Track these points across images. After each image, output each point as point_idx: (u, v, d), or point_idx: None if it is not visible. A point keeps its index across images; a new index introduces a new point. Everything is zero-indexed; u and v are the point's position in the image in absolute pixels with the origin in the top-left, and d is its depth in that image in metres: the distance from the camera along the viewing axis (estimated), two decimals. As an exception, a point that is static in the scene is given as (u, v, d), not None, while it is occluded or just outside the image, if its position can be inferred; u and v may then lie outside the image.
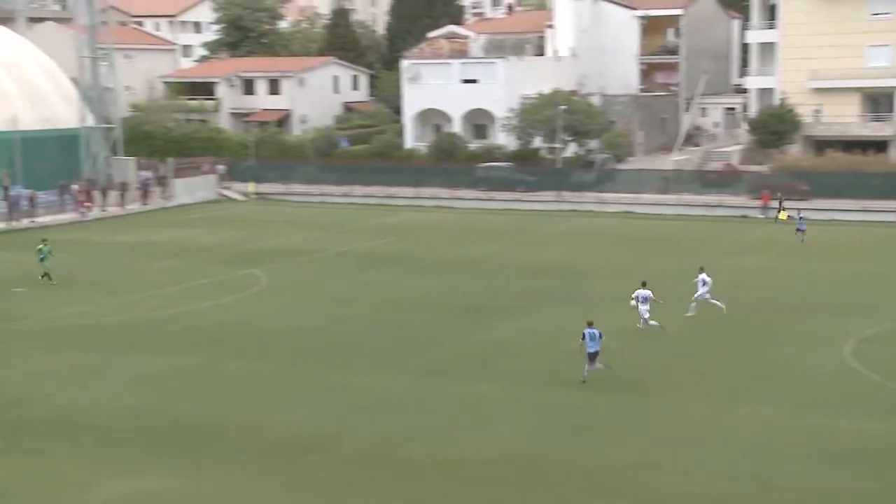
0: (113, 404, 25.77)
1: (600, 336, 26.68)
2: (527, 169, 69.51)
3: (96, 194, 62.84)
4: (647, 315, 31.84)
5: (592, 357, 26.72)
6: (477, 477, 21.04)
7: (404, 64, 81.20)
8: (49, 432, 23.71)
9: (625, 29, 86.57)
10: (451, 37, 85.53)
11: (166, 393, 26.71)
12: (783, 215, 57.10)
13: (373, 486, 20.56)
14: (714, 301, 34.22)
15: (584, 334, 26.70)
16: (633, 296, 32.13)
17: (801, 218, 51.10)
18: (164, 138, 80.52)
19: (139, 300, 37.79)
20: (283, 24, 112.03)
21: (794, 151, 72.03)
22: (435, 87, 78.85)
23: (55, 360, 29.85)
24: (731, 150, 75.17)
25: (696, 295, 34.30)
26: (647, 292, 31.86)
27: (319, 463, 21.79)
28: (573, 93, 75.78)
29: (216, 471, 21.30)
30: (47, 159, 63.26)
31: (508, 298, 37.82)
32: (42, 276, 40.77)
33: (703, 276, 34.38)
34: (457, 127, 78.44)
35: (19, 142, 61.39)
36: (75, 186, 61.97)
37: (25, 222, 57.57)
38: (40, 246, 41.57)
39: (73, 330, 33.42)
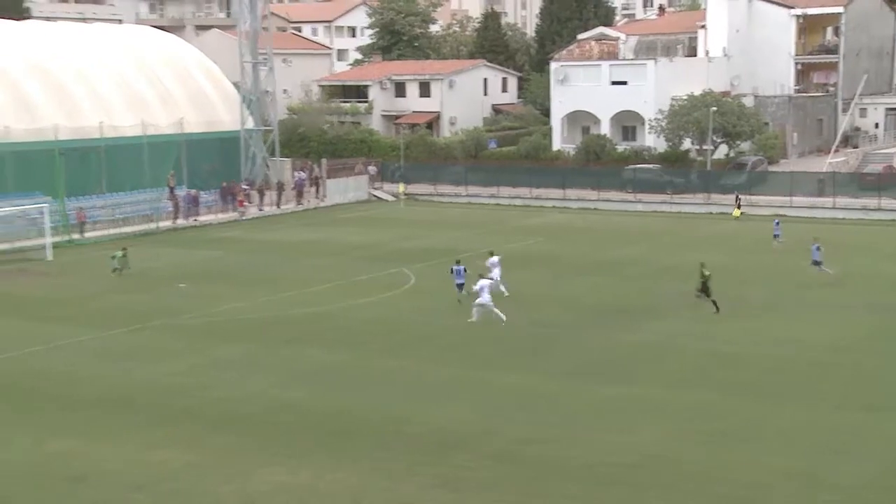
0: (266, 397, 26.87)
1: (465, 271, 36.28)
2: (676, 171, 68.81)
3: (254, 194, 65.43)
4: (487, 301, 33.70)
5: (459, 287, 35.42)
6: (617, 479, 21.18)
7: (553, 66, 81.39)
8: (207, 423, 24.88)
9: (780, 28, 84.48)
10: (600, 39, 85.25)
11: (317, 387, 27.71)
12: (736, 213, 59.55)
13: (515, 486, 20.87)
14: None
15: (451, 269, 36.58)
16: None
17: (777, 223, 50.04)
18: (318, 140, 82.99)
19: (294, 296, 39.29)
20: (434, 28, 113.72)
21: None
22: (584, 89, 78.76)
23: (214, 353, 31.35)
24: (894, 151, 72.51)
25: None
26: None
27: (463, 461, 22.19)
28: (725, 94, 74.57)
29: (362, 465, 21.96)
30: (209, 161, 66.23)
31: (655, 301, 37.74)
32: (113, 271, 43.16)
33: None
34: (605, 129, 78.17)
35: (184, 144, 64.48)
36: (245, 186, 64.77)
37: (189, 221, 60.38)
38: (117, 253, 43.84)
39: (231, 324, 35.01)
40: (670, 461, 22.00)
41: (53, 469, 21.88)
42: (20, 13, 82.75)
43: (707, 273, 35.57)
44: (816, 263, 40.93)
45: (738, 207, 60.19)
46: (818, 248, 40.92)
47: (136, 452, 22.73)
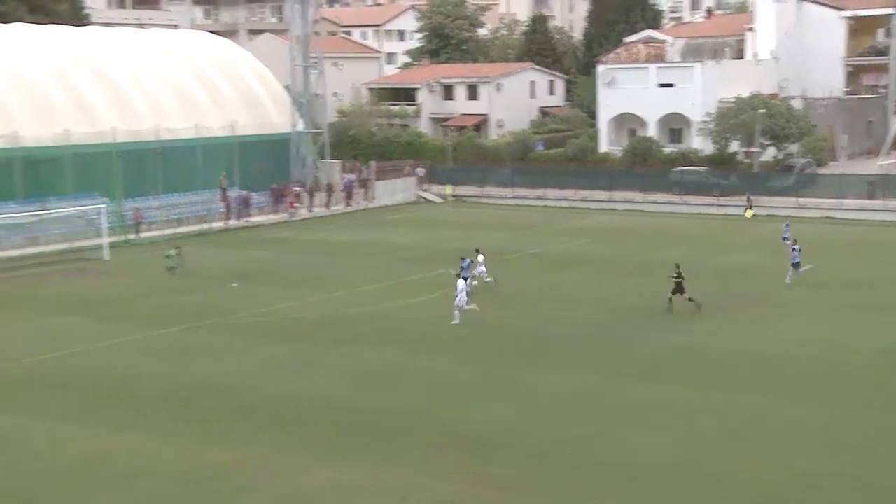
0: (317, 395, 27.58)
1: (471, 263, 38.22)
2: (723, 173, 68.82)
3: (304, 195, 66.49)
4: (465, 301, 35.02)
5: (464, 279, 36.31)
6: (656, 479, 21.56)
7: (600, 69, 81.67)
8: (259, 420, 25.62)
9: (830, 30, 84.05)
10: (648, 41, 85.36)
11: (366, 386, 28.37)
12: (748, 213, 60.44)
13: (559, 485, 21.29)
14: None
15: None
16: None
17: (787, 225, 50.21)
18: (367, 142, 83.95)
19: (343, 296, 40.09)
20: (482, 32, 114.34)
21: None
22: (631, 92, 78.96)
23: (265, 352, 32.15)
24: (944, 154, 71.94)
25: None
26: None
27: (508, 460, 22.66)
28: (773, 96, 74.36)
29: (409, 464, 22.52)
30: (261, 163, 67.43)
31: (703, 302, 38.01)
32: (168, 270, 44.56)
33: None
34: (652, 131, 78.29)
35: (236, 146, 65.75)
36: (297, 188, 65.90)
37: (241, 222, 61.55)
38: (171, 252, 45.04)
39: (282, 324, 35.85)
40: (709, 462, 22.35)
41: (113, 463, 22.77)
42: (80, 20, 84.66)
43: (680, 273, 36.34)
44: (795, 265, 41.30)
45: (750, 208, 60.48)
46: (797, 249, 41.45)
47: (191, 448, 23.57)
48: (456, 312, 35.01)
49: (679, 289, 36.28)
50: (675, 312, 36.27)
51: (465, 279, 37.04)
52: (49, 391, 28.26)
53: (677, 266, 36.75)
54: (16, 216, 50.96)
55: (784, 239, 48.87)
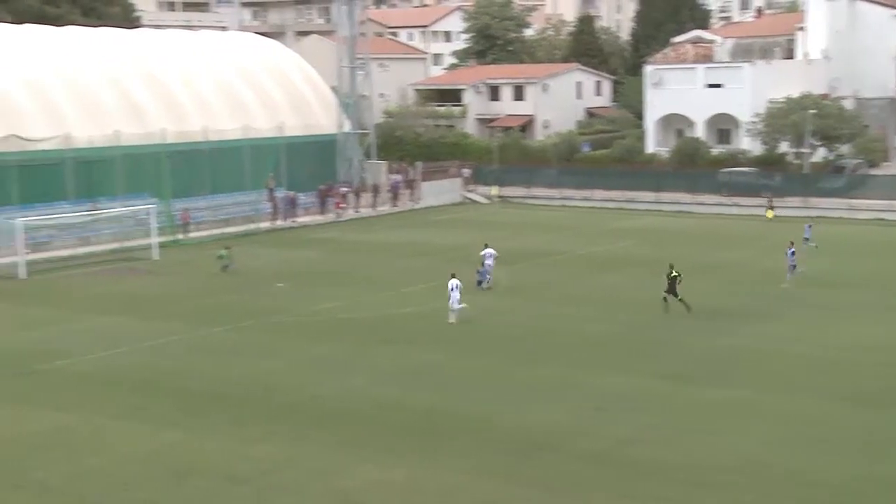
0: (361, 395, 27.68)
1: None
2: (772, 174, 68.11)
3: (351, 196, 66.77)
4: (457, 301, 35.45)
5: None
6: (713, 482, 21.36)
7: (648, 69, 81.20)
8: (305, 419, 25.77)
9: (883, 29, 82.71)
10: (696, 41, 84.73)
11: (412, 386, 28.42)
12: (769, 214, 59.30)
13: (608, 486, 21.22)
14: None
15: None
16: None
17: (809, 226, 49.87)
18: (413, 143, 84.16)
19: (389, 297, 40.20)
20: (529, 32, 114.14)
21: None
22: (678, 92, 78.45)
23: (312, 351, 32.34)
24: None
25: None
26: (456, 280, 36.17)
27: (552, 460, 22.60)
28: (824, 96, 73.48)
29: (455, 464, 22.54)
30: (307, 164, 67.84)
31: (750, 304, 37.78)
32: (222, 269, 45.13)
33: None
34: (699, 132, 77.70)
35: (284, 147, 66.20)
36: (344, 189, 66.23)
37: (287, 222, 61.95)
38: (222, 252, 45.51)
39: (328, 323, 36.04)
40: (767, 466, 22.13)
41: (165, 460, 23.03)
42: (132, 22, 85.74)
43: (675, 274, 36.29)
44: (793, 268, 40.94)
45: (771, 209, 60.16)
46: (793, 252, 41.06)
47: (239, 446, 23.74)
48: (451, 312, 35.45)
49: (672, 290, 36.30)
50: (724, 314, 35.93)
51: (486, 269, 39.59)
52: (100, 389, 28.62)
53: (671, 266, 36.75)
54: (68, 216, 51.73)
55: (805, 240, 48.50)
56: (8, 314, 38.39)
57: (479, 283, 41.17)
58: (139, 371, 30.30)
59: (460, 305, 35.56)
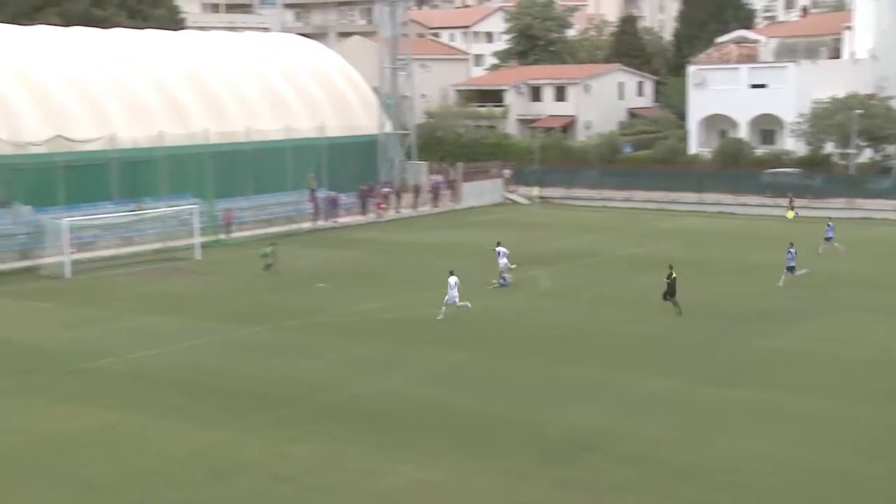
0: (402, 395, 27.75)
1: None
2: (816, 175, 67.39)
3: (392, 197, 66.95)
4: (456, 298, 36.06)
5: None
6: (750, 485, 21.22)
7: (691, 69, 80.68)
8: (345, 419, 25.86)
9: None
10: (740, 41, 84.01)
11: (453, 387, 28.46)
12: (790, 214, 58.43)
13: (647, 488, 21.13)
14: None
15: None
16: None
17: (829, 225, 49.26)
18: (454, 143, 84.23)
19: (430, 297, 40.11)
20: (571, 33, 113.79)
21: None
22: (721, 93, 77.88)
23: (352, 351, 32.46)
24: None
25: None
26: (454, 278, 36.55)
27: (594, 462, 22.54)
28: (870, 96, 72.58)
29: (495, 464, 22.53)
30: (349, 164, 68.11)
31: (794, 306, 37.44)
32: (266, 268, 45.47)
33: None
34: (743, 132, 77.06)
35: (325, 148, 66.52)
36: (386, 189, 66.45)
37: (329, 222, 62.22)
38: (266, 250, 45.86)
39: (369, 324, 36.17)
40: (805, 469, 21.97)
41: (206, 459, 23.23)
42: (177, 24, 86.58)
43: (674, 275, 36.29)
44: (790, 269, 40.66)
45: (792, 209, 59.69)
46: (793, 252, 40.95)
47: (280, 446, 23.89)
48: (443, 308, 36.02)
49: (671, 290, 36.33)
50: (767, 316, 35.63)
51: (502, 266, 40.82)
52: (143, 388, 28.92)
53: (671, 267, 36.78)
54: (113, 216, 52.34)
55: (826, 239, 48.07)
56: (54, 313, 38.94)
57: (502, 284, 41.84)
58: (181, 370, 30.59)
59: (462, 303, 36.16)
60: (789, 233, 56.12)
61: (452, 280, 36.28)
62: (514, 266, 42.90)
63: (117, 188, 56.28)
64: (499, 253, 42.65)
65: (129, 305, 40.10)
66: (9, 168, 51.53)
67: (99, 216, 51.81)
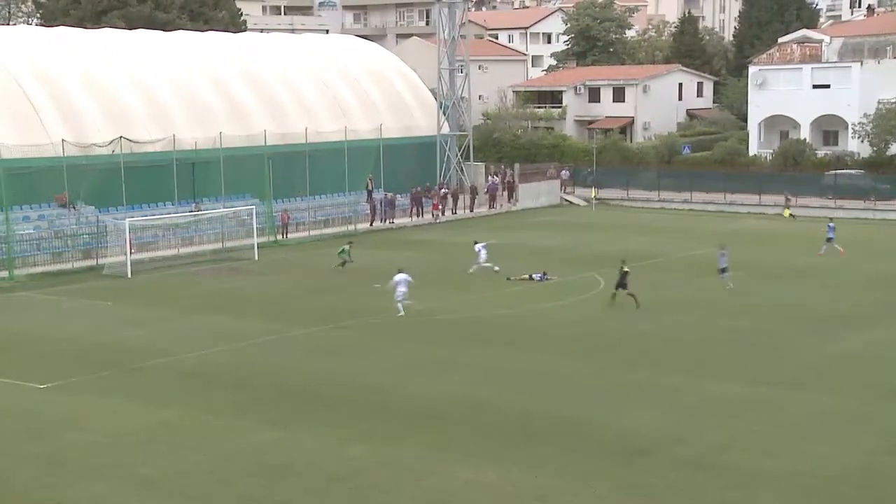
0: (458, 396, 27.72)
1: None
2: (881, 177, 66.22)
3: (448, 198, 67.01)
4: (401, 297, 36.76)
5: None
6: (816, 491, 20.90)
7: (752, 70, 79.72)
8: (400, 419, 25.92)
9: None
10: (802, 41, 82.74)
11: (508, 388, 28.37)
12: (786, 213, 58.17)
13: (706, 493, 20.88)
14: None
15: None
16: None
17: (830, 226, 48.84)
18: (511, 145, 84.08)
19: (486, 298, 40.25)
20: (630, 33, 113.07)
21: None
22: (783, 93, 76.88)
23: (408, 352, 32.53)
24: None
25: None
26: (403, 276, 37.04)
27: (652, 466, 22.32)
28: (939, 96, 71.13)
29: (550, 467, 22.42)
30: (406, 165, 68.32)
31: (857, 310, 36.89)
32: (342, 264, 46.19)
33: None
34: (804, 133, 75.95)
35: (383, 149, 66.79)
36: (443, 191, 66.57)
37: (385, 224, 62.45)
38: (345, 247, 46.66)
39: (424, 325, 36.19)
40: (872, 475, 21.61)
41: (262, 457, 23.39)
42: (237, 26, 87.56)
43: (626, 270, 37.39)
44: (722, 271, 40.34)
45: (788, 207, 59.49)
46: (724, 255, 40.85)
47: (336, 446, 24.00)
48: (399, 305, 36.74)
49: (622, 284, 37.27)
50: (828, 320, 35.07)
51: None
52: (202, 386, 29.27)
53: (623, 262, 37.79)
54: (173, 217, 53.05)
55: (828, 239, 47.63)
56: (115, 312, 39.57)
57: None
58: (239, 369, 30.90)
59: (404, 300, 36.79)
60: (852, 236, 55.30)
61: (399, 277, 37.02)
62: (497, 269, 44.39)
63: (178, 189, 57.01)
64: (478, 250, 44.47)
65: (188, 304, 40.61)
66: (74, 169, 52.46)
67: (159, 216, 52.55)
